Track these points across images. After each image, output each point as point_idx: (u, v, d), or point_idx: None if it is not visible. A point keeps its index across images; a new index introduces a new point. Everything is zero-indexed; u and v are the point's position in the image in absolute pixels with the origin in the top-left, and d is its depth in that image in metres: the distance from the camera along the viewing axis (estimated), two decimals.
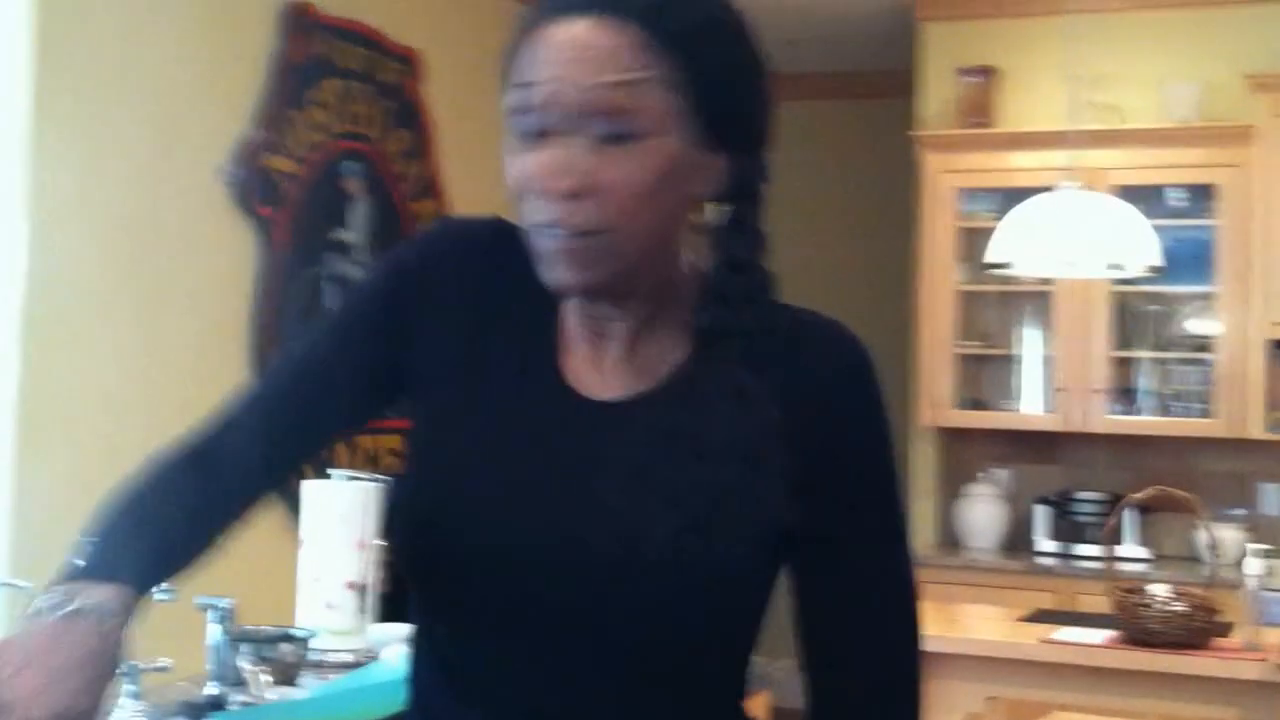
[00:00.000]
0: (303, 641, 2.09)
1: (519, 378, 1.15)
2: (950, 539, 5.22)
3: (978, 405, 5.20)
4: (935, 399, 5.13)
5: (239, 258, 3.91)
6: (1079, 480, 5.13)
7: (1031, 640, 3.58)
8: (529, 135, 1.06)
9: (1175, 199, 4.97)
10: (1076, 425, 4.99)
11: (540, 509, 1.09)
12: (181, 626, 1.92)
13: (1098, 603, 3.88)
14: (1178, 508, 3.81)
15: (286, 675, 2.03)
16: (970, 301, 5.20)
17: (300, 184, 4.11)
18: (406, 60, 4.59)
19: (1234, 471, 4.96)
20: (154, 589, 1.09)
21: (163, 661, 1.89)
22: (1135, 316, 5.03)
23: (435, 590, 1.13)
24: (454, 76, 4.71)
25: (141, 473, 1.14)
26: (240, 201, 3.89)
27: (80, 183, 3.37)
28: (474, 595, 1.10)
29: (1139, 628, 3.45)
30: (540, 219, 1.06)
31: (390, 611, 2.33)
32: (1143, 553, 4.86)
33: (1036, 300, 5.10)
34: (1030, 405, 5.15)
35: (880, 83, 6.12)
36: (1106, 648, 3.48)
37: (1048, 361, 5.07)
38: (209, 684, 1.96)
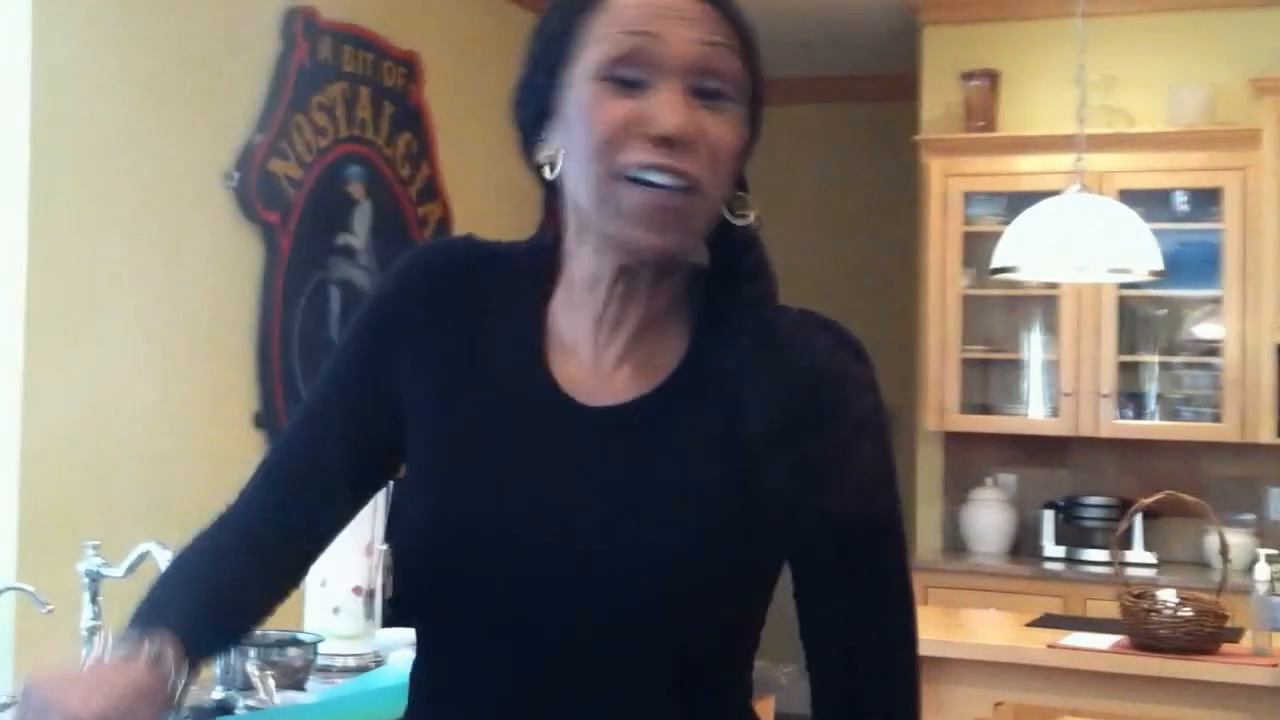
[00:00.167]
0: (309, 646, 2.08)
1: (511, 390, 1.14)
2: (957, 544, 5.20)
3: (984, 410, 5.19)
4: (941, 404, 5.12)
5: (243, 262, 3.90)
6: (1086, 485, 5.11)
7: (1039, 645, 3.56)
8: (626, 84, 1.07)
9: (1182, 203, 4.96)
10: (1083, 430, 4.97)
11: (537, 519, 1.09)
12: None
13: (1105, 608, 3.88)
14: (1186, 513, 3.80)
15: (293, 680, 2.02)
16: (976, 306, 5.19)
17: (303, 188, 4.11)
18: (409, 64, 4.59)
19: (1243, 476, 4.95)
20: (206, 653, 1.13)
21: None
22: (1142, 320, 5.02)
23: (433, 606, 1.13)
24: (456, 80, 4.70)
25: (183, 552, 1.20)
26: (244, 206, 3.88)
27: (82, 187, 3.36)
28: (468, 609, 1.10)
29: (1147, 633, 3.43)
30: (645, 159, 1.06)
31: (397, 616, 2.32)
32: (1150, 558, 4.84)
33: (1043, 304, 5.09)
34: (1037, 410, 5.14)
35: (883, 86, 6.12)
36: (1114, 653, 3.46)
37: (1054, 366, 5.06)
38: (216, 688, 1.95)
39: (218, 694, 1.94)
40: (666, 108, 1.06)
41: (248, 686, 1.90)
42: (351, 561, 2.26)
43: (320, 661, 2.14)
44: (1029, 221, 3.80)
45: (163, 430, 3.56)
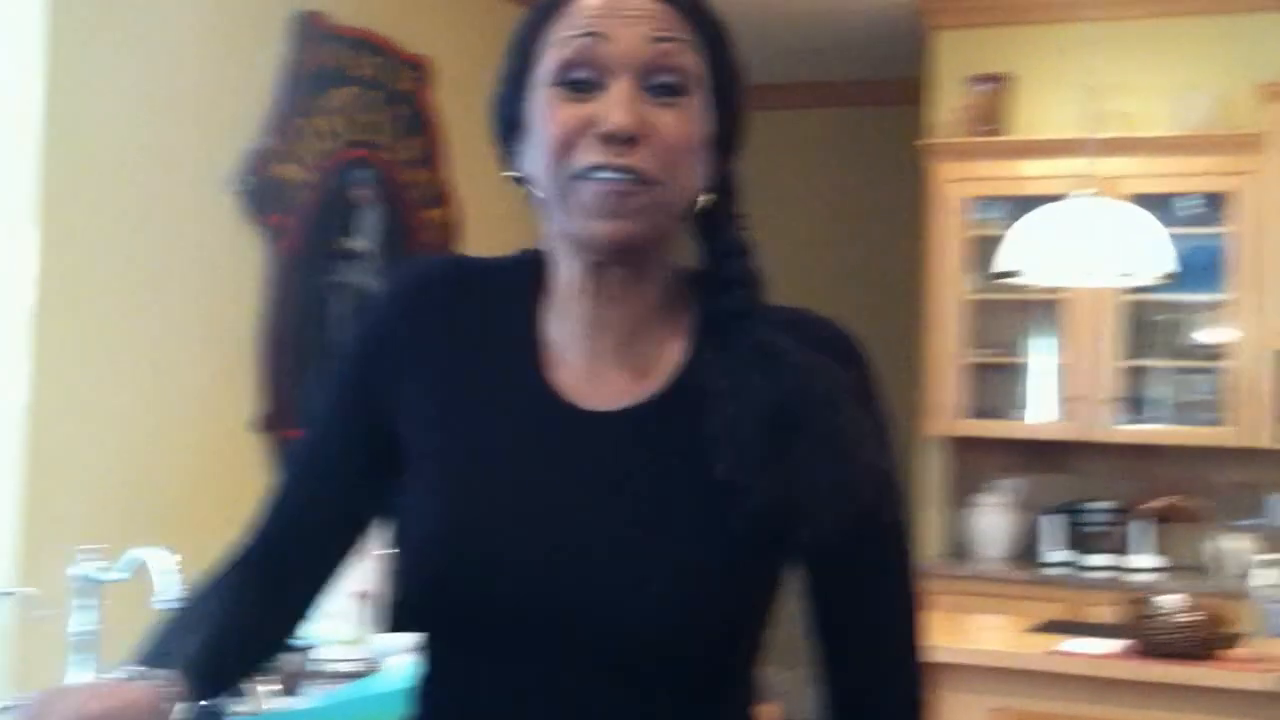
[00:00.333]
0: (305, 651, 2.09)
1: (508, 396, 1.15)
2: (959, 549, 5.20)
3: (987, 414, 5.18)
4: (944, 408, 5.12)
5: (249, 266, 3.92)
6: (1088, 490, 5.10)
7: (1040, 651, 3.56)
8: (579, 86, 1.09)
9: (1187, 207, 4.95)
10: (1086, 435, 4.97)
11: (542, 525, 1.09)
12: None
13: (1107, 613, 3.87)
14: (1188, 518, 3.80)
15: (289, 685, 2.03)
16: (980, 310, 5.18)
17: (310, 192, 4.12)
18: (416, 68, 4.60)
19: (1245, 482, 4.93)
20: (209, 693, 1.13)
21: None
22: (1146, 325, 5.01)
23: (439, 618, 1.13)
24: (464, 84, 4.70)
25: (192, 595, 1.21)
26: (250, 210, 3.90)
27: (90, 192, 3.38)
28: (475, 619, 1.10)
29: (1148, 639, 3.43)
30: (593, 160, 1.07)
31: (397, 626, 2.33)
32: (1152, 563, 4.82)
33: (1046, 309, 5.08)
34: (1040, 414, 5.13)
35: (890, 91, 6.11)
36: (1115, 659, 3.46)
37: (1057, 371, 5.05)
38: None
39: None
40: (613, 106, 1.07)
41: (242, 692, 1.90)
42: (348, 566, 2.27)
43: (316, 667, 2.15)
44: (1033, 225, 3.80)
45: (164, 435, 3.58)
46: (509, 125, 1.16)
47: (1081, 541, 4.97)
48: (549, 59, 1.11)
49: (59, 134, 3.28)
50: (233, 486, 3.63)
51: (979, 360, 5.17)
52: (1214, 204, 4.91)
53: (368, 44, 4.36)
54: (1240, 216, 4.82)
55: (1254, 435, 4.75)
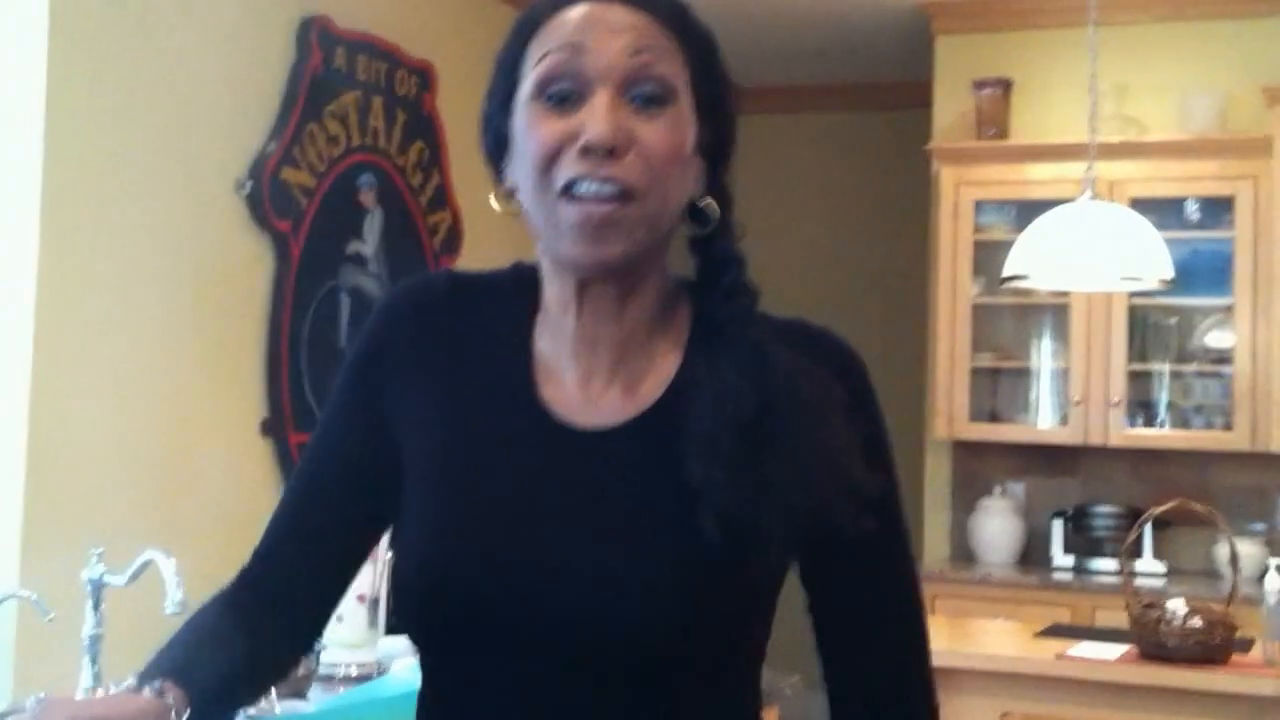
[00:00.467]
0: (311, 654, 2.08)
1: (503, 415, 1.15)
2: (965, 553, 5.19)
3: (994, 418, 5.18)
4: (951, 412, 5.11)
5: (253, 270, 3.92)
6: (1096, 494, 5.10)
7: (1047, 655, 3.55)
8: (561, 100, 1.09)
9: (1193, 211, 4.94)
10: (1093, 439, 4.96)
11: (535, 542, 1.09)
12: None
13: (1115, 618, 3.86)
14: (1196, 522, 3.79)
15: (295, 688, 2.03)
16: (986, 314, 5.17)
17: (315, 196, 4.12)
18: (422, 73, 4.60)
19: (1253, 485, 4.93)
20: (219, 707, 1.13)
21: None
22: (1153, 329, 5.00)
23: (436, 632, 1.13)
24: (469, 89, 4.68)
25: (197, 614, 1.20)
26: (256, 214, 3.90)
27: (96, 195, 3.38)
28: (473, 634, 1.10)
29: (1156, 643, 3.42)
30: (576, 172, 1.06)
31: (393, 627, 2.32)
32: (1160, 567, 4.82)
33: (1053, 313, 5.08)
34: (1047, 418, 5.12)
35: (896, 95, 6.11)
36: (1123, 663, 3.45)
37: (1064, 374, 5.04)
38: None
39: None
40: (593, 118, 1.07)
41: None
42: None
43: (322, 670, 2.15)
44: (1040, 230, 3.80)
45: (170, 438, 3.58)
46: (498, 143, 1.16)
47: (1088, 546, 4.97)
48: (531, 75, 1.11)
49: (63, 139, 3.28)
50: (237, 490, 3.63)
51: (986, 364, 5.16)
52: (1220, 207, 4.90)
53: (373, 49, 4.37)
54: (1247, 220, 4.81)
55: (1261, 438, 4.74)
